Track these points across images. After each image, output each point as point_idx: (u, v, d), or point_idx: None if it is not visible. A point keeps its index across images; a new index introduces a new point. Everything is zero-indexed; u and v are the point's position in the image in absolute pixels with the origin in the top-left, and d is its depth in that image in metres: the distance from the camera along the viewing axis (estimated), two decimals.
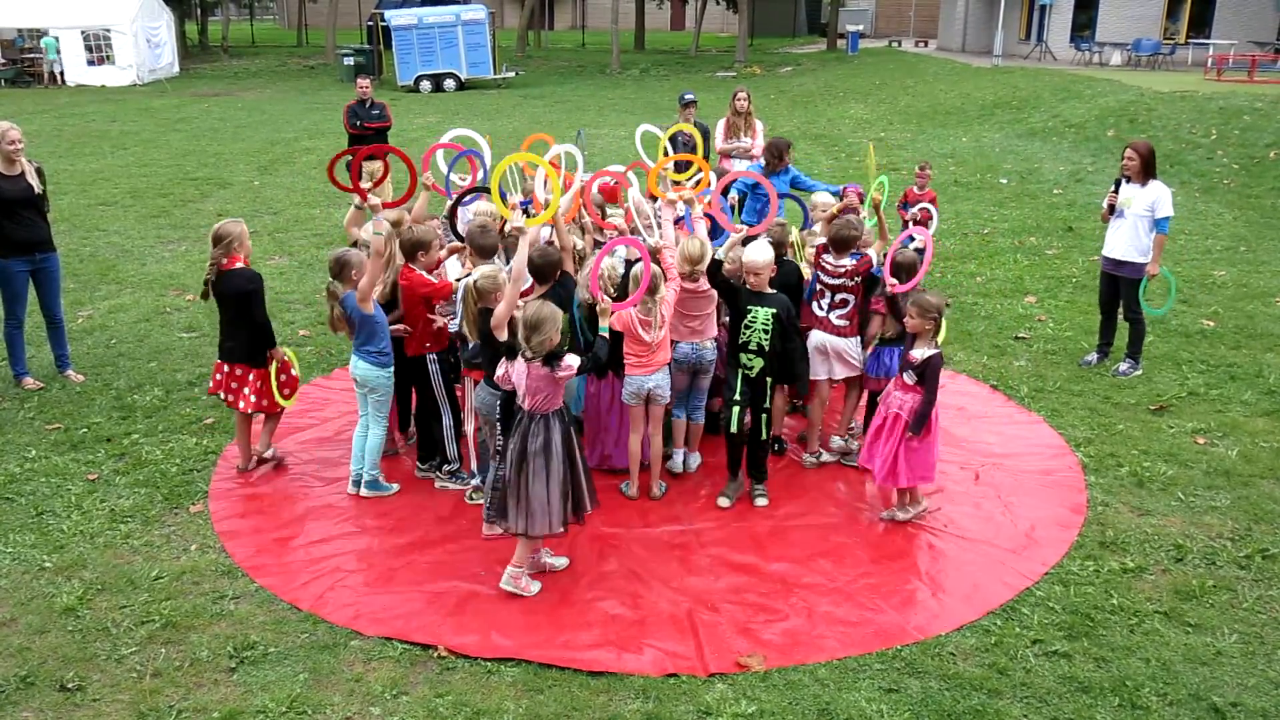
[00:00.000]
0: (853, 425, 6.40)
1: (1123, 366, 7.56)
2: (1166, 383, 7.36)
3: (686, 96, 10.21)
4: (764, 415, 5.63)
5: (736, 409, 5.58)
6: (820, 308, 6.04)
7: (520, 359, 4.63)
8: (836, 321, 6.00)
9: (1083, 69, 26.31)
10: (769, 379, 5.56)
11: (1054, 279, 10.02)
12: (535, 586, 4.83)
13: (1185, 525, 5.43)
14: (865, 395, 6.26)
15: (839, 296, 5.98)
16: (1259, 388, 7.25)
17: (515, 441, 4.69)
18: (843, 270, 5.93)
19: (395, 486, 5.82)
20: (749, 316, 5.50)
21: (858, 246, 6.00)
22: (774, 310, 5.46)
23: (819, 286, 6.04)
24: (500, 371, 4.86)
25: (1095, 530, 5.39)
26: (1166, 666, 4.27)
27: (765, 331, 5.46)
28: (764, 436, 5.69)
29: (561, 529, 4.75)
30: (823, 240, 6.17)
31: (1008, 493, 5.83)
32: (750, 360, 5.52)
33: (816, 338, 6.02)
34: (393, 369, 5.65)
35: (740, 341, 5.55)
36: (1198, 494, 5.77)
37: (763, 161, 8.66)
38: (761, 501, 5.70)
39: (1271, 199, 13.38)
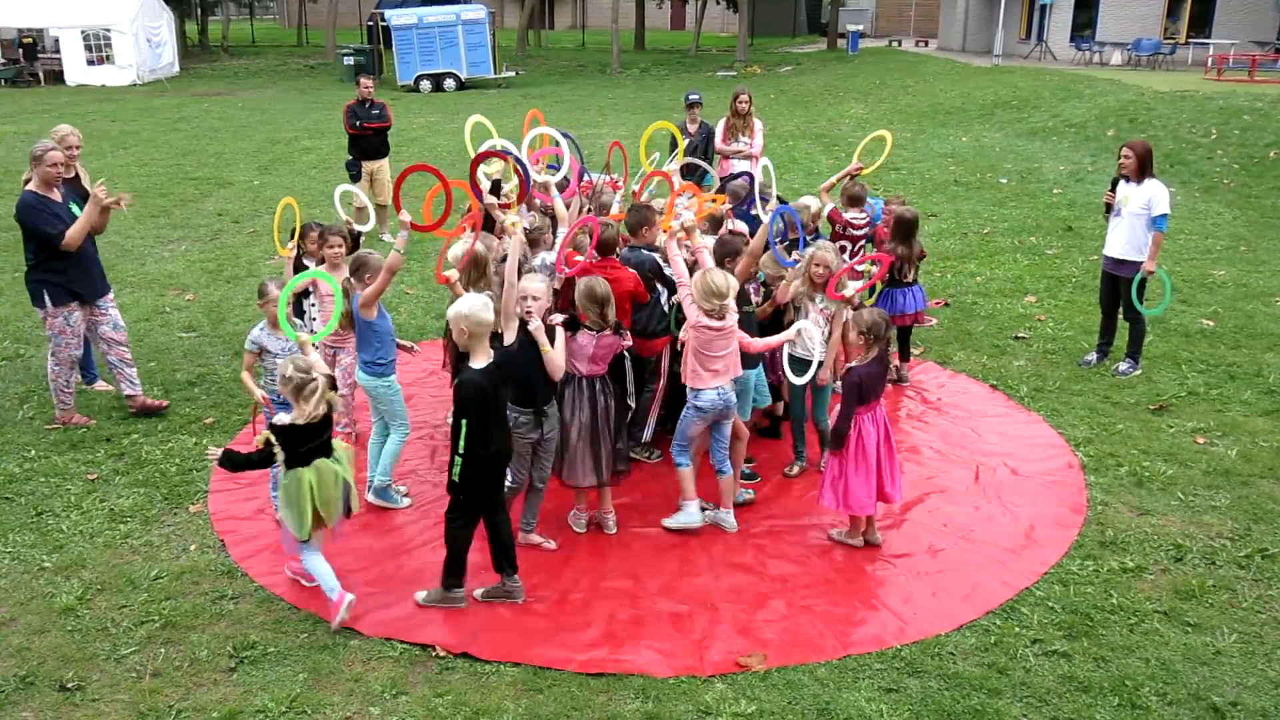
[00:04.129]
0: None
1: (1122, 366, 7.56)
2: (1166, 382, 7.36)
3: (691, 97, 10.17)
4: None
5: None
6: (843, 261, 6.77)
7: (584, 332, 5.10)
8: (858, 268, 6.69)
9: (1083, 69, 26.29)
10: None
11: (1054, 279, 10.02)
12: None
13: (1185, 525, 5.43)
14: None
15: (857, 246, 7.15)
16: (1259, 387, 7.25)
17: (586, 407, 5.16)
18: (861, 222, 7.19)
19: (407, 501, 5.67)
20: None
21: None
22: None
23: (843, 243, 7.04)
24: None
25: (1095, 530, 5.39)
26: (1166, 666, 4.28)
27: None
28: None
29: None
30: (831, 205, 7.19)
31: (1007, 492, 5.83)
32: None
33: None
34: (393, 378, 5.49)
35: None
36: (1197, 493, 5.77)
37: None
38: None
39: (1271, 199, 13.37)
